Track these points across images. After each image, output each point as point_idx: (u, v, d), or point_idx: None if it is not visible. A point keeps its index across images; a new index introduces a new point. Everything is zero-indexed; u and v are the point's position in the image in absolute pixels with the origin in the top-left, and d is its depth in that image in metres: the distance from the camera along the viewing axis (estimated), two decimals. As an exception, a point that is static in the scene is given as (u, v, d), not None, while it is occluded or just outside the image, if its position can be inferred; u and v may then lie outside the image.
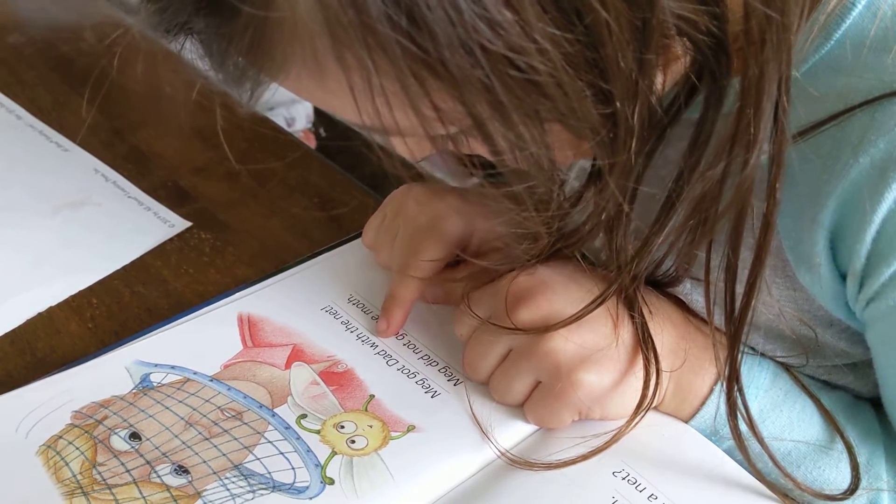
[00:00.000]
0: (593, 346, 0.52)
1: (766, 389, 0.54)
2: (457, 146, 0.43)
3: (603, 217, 0.47)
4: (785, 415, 0.53)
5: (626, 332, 0.53)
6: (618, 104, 0.40)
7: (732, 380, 0.50)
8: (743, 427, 0.53)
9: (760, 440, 0.51)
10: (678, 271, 0.52)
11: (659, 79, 0.42)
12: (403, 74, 0.36)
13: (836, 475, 0.52)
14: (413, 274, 0.60)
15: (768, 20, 0.39)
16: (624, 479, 0.53)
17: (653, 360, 0.52)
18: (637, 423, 0.54)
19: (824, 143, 0.46)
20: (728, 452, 0.54)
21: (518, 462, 0.53)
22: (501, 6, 0.35)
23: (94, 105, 0.84)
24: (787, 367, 0.55)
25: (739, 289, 0.48)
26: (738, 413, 0.51)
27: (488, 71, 0.36)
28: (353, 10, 0.35)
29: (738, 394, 0.50)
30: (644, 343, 0.52)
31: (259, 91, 0.42)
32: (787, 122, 0.43)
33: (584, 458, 0.53)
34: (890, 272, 0.46)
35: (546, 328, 0.52)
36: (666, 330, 0.54)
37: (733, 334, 0.49)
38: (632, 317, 0.52)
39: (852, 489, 0.51)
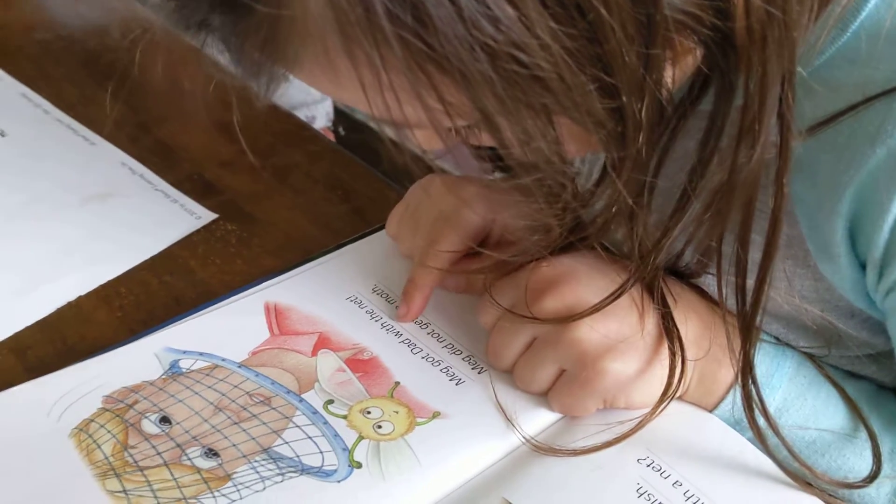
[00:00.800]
0: (619, 336, 0.53)
1: (790, 378, 0.54)
2: (468, 139, 0.44)
3: (614, 211, 0.47)
4: (809, 403, 0.53)
5: (651, 322, 0.53)
6: (624, 98, 0.41)
7: (746, 373, 0.51)
8: (762, 421, 0.53)
9: (777, 432, 0.51)
10: (698, 263, 0.53)
11: (669, 72, 0.43)
12: (410, 70, 0.37)
13: (860, 463, 0.52)
14: (433, 263, 0.61)
15: (769, 17, 0.40)
16: (649, 465, 0.53)
17: (678, 350, 0.53)
18: (661, 411, 0.54)
19: (842, 133, 0.46)
20: (752, 441, 0.54)
21: (542, 448, 0.54)
22: (503, 2, 0.36)
23: (119, 99, 0.85)
24: (811, 357, 0.55)
25: (752, 282, 0.49)
26: (754, 406, 0.51)
27: (492, 66, 0.37)
28: (361, 7, 0.36)
29: (752, 386, 0.51)
30: (668, 332, 0.53)
31: (275, 84, 0.43)
32: (793, 117, 0.43)
33: (609, 444, 0.53)
34: None
35: (570, 317, 0.52)
36: (690, 320, 0.54)
37: (745, 328, 0.50)
38: (656, 307, 0.53)
39: (873, 476, 0.51)
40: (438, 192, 0.63)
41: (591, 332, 0.52)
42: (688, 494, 0.52)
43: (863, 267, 0.49)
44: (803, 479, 0.52)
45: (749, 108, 0.42)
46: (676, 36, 0.40)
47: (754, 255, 0.48)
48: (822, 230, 0.49)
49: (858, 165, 0.46)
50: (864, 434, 0.53)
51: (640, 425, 0.53)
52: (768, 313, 0.54)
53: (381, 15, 0.35)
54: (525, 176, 0.43)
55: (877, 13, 0.46)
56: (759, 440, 0.52)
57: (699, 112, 0.46)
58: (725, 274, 0.49)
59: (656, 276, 0.52)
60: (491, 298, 0.57)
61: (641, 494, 0.52)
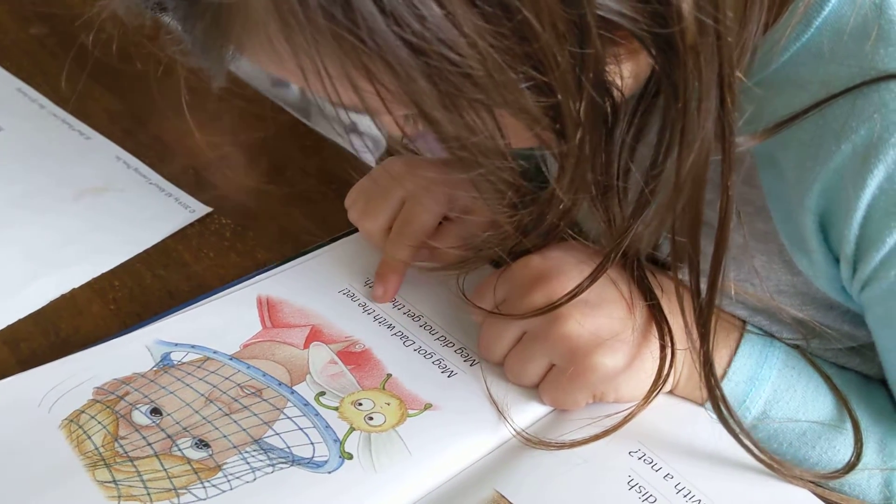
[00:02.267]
0: (608, 330, 0.53)
1: (779, 370, 0.54)
2: (408, 128, 0.44)
3: (564, 207, 0.48)
4: (799, 394, 0.53)
5: (640, 316, 0.53)
6: (559, 97, 0.41)
7: (709, 375, 0.51)
8: (755, 413, 0.53)
9: (742, 429, 0.51)
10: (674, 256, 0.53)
11: (626, 70, 0.43)
12: (345, 61, 0.38)
13: (850, 454, 0.52)
14: (405, 242, 0.62)
15: (701, 25, 0.40)
16: (640, 458, 0.53)
17: (668, 342, 0.53)
18: (650, 402, 0.54)
19: (807, 130, 0.46)
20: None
21: (533, 441, 0.54)
22: (430, 1, 0.36)
23: (115, 94, 0.85)
24: (799, 348, 0.55)
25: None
26: (719, 402, 0.51)
27: (422, 63, 0.38)
28: (297, 0, 0.36)
29: (717, 388, 0.51)
30: (658, 325, 0.53)
31: (223, 68, 0.44)
32: (734, 120, 0.43)
33: (598, 437, 0.53)
34: (880, 256, 0.46)
35: (550, 306, 0.52)
36: (679, 312, 0.54)
37: (702, 328, 0.50)
38: (645, 299, 0.53)
39: (851, 465, 0.51)
40: (400, 174, 0.64)
41: (579, 327, 0.52)
42: (679, 487, 0.52)
43: (837, 261, 0.49)
44: (789, 472, 0.52)
45: (685, 111, 0.42)
46: (618, 36, 0.40)
47: (733, 251, 0.48)
48: (794, 225, 0.49)
49: (824, 162, 0.46)
50: (851, 424, 0.53)
51: (629, 417, 0.53)
52: (750, 307, 0.54)
53: (314, 8, 0.36)
54: (467, 170, 0.44)
55: (840, 9, 0.46)
56: (738, 441, 0.52)
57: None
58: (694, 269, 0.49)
59: (641, 268, 0.52)
60: (480, 295, 0.57)
61: (632, 487, 0.52)
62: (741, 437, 0.51)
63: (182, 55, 0.44)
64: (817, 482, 0.51)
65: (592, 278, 0.51)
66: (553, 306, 0.52)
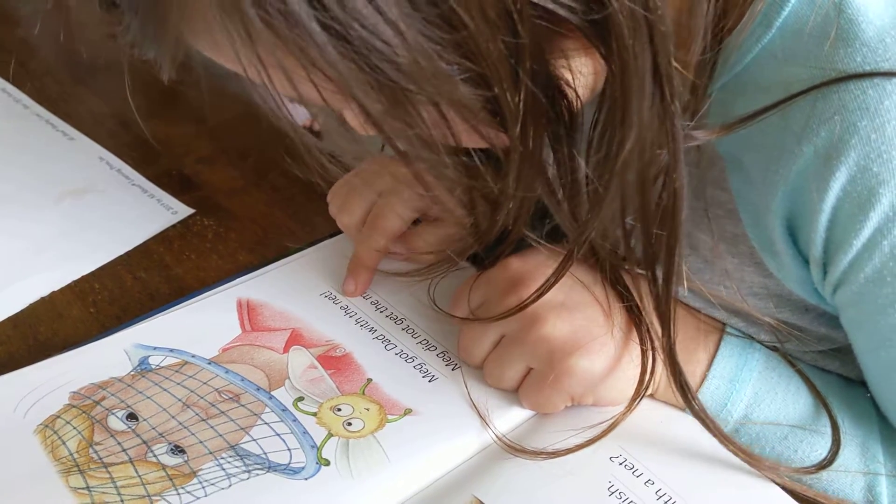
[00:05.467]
0: (586, 333, 0.52)
1: (759, 371, 0.53)
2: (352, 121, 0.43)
3: (511, 206, 0.47)
4: (780, 396, 0.53)
5: (619, 319, 0.53)
6: (496, 89, 0.40)
7: (679, 381, 0.50)
8: (737, 416, 0.52)
9: (707, 423, 0.51)
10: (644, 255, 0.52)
11: (574, 66, 0.42)
12: (276, 49, 0.37)
13: (828, 453, 0.52)
14: (377, 239, 0.62)
15: (632, 13, 0.39)
16: (621, 464, 0.53)
17: (648, 345, 0.52)
18: (633, 409, 0.53)
19: (770, 132, 0.46)
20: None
21: (515, 449, 0.53)
22: None
23: (100, 96, 0.85)
24: (779, 350, 0.55)
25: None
26: (691, 400, 0.51)
27: (348, 50, 0.37)
28: None
29: (689, 392, 0.51)
30: (637, 327, 0.52)
31: (170, 59, 0.43)
32: (675, 113, 0.42)
33: (581, 447, 0.52)
34: (848, 259, 0.45)
35: (520, 306, 0.52)
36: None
37: (664, 325, 0.50)
38: (623, 302, 0.52)
39: (826, 463, 0.51)
40: (375, 172, 0.64)
41: (558, 330, 0.52)
42: (660, 493, 0.51)
43: (807, 263, 0.49)
44: (772, 471, 0.51)
45: (623, 101, 0.41)
46: (564, 28, 0.39)
47: (705, 254, 0.47)
48: (763, 228, 0.49)
49: (788, 164, 0.45)
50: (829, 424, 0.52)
51: (613, 426, 0.53)
52: (727, 310, 0.54)
53: (245, 1, 0.36)
54: (407, 164, 0.43)
55: (800, 9, 0.45)
56: (724, 444, 0.51)
57: None
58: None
59: (617, 271, 0.51)
60: (457, 300, 0.57)
61: (613, 493, 0.51)
62: (709, 426, 0.51)
63: (131, 47, 0.43)
64: (794, 478, 0.51)
65: (556, 276, 0.51)
66: (521, 307, 0.52)
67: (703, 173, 0.50)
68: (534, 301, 0.52)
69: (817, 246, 0.46)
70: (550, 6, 0.38)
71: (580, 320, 0.52)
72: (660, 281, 0.49)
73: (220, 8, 0.37)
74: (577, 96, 0.43)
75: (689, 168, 0.45)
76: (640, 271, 0.50)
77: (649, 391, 0.54)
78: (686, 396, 0.51)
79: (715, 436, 0.51)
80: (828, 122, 0.44)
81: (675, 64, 0.41)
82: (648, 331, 0.52)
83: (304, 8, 0.36)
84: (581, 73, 0.42)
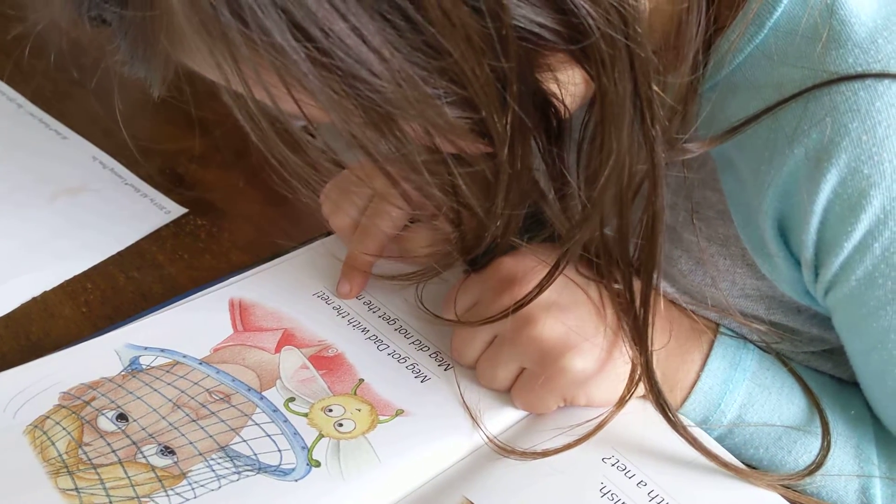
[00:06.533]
0: (579, 333, 0.52)
1: (753, 372, 0.53)
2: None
3: (499, 224, 0.47)
4: (773, 397, 0.53)
5: (611, 319, 0.52)
6: (483, 112, 0.40)
7: (655, 390, 0.51)
8: (730, 417, 0.52)
9: (699, 447, 0.51)
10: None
11: (562, 79, 0.42)
12: (258, 67, 0.38)
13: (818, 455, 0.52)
14: (371, 240, 0.61)
15: (611, 40, 0.39)
16: (613, 465, 0.53)
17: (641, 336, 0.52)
18: (623, 408, 0.53)
19: (761, 133, 0.46)
20: (718, 440, 0.53)
21: (506, 450, 0.53)
22: (335, 16, 0.35)
23: (94, 95, 0.84)
24: (773, 351, 0.55)
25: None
26: (668, 412, 0.51)
27: (334, 81, 0.37)
28: (212, 10, 0.36)
29: (660, 397, 0.51)
30: (633, 326, 0.52)
31: (160, 76, 0.44)
32: (656, 132, 0.42)
33: (570, 446, 0.52)
34: (839, 261, 0.45)
35: (514, 306, 0.52)
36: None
37: (638, 333, 0.50)
38: (615, 301, 0.52)
39: (817, 466, 0.51)
40: (371, 172, 0.63)
41: (550, 330, 0.52)
42: (652, 494, 0.51)
43: (799, 264, 0.48)
44: (763, 476, 0.51)
45: (602, 123, 0.42)
46: (547, 48, 0.40)
47: (696, 255, 0.47)
48: (754, 229, 0.49)
49: (779, 165, 0.45)
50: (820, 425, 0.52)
51: (602, 425, 0.53)
52: (719, 310, 0.53)
53: (227, 17, 0.36)
54: (395, 185, 0.44)
55: (792, 10, 0.45)
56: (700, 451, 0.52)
57: None
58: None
59: (611, 272, 0.51)
60: (453, 297, 0.57)
61: (605, 494, 0.51)
62: (692, 442, 0.51)
63: (122, 65, 0.44)
64: (785, 485, 0.51)
65: (549, 279, 0.51)
66: (516, 307, 0.52)
67: (693, 175, 0.50)
68: (527, 303, 0.51)
69: (808, 248, 0.46)
70: (536, 30, 0.38)
71: (573, 320, 0.52)
72: (636, 300, 0.49)
73: (206, 33, 0.37)
74: (566, 107, 0.43)
75: (679, 170, 0.45)
76: (617, 286, 0.51)
77: (640, 391, 0.53)
78: (666, 415, 0.51)
79: (699, 451, 0.51)
80: (819, 124, 0.43)
81: (656, 89, 0.41)
82: (640, 332, 0.52)
83: (288, 38, 0.36)
84: (569, 84, 0.42)
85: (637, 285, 0.50)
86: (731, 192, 0.49)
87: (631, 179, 0.43)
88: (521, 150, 0.42)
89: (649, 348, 0.50)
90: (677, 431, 0.51)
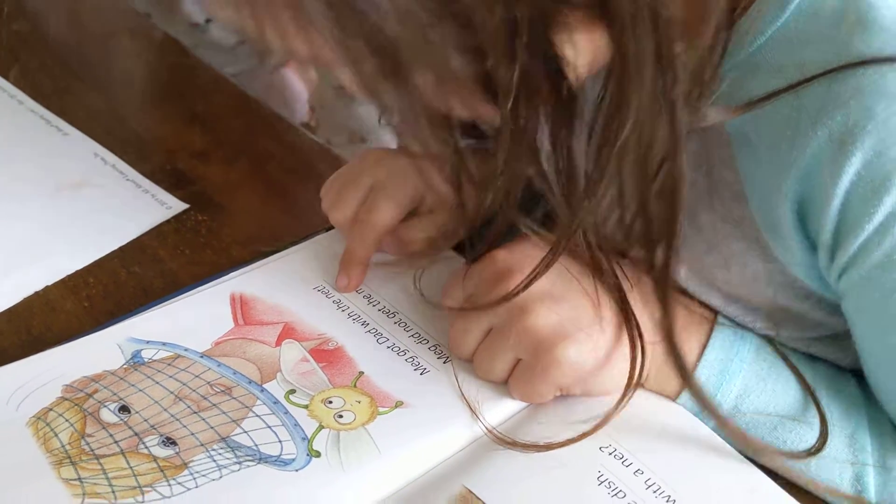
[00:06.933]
0: (573, 323, 0.52)
1: (749, 362, 0.54)
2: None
3: (500, 185, 0.46)
4: (769, 387, 0.53)
5: (609, 309, 0.53)
6: (490, 61, 0.39)
7: (678, 362, 0.50)
8: (727, 407, 0.53)
9: (708, 407, 0.51)
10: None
11: (577, 41, 0.41)
12: (274, 11, 0.37)
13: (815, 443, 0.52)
14: (369, 233, 0.62)
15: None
16: (611, 454, 0.53)
17: (637, 337, 0.52)
18: (626, 403, 0.53)
19: (782, 110, 0.46)
20: (714, 430, 0.54)
21: (505, 441, 0.53)
22: None
23: (96, 91, 0.85)
24: (770, 340, 0.55)
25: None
26: (689, 380, 0.51)
27: (344, 19, 0.37)
28: None
29: (685, 371, 0.51)
30: (627, 319, 0.52)
31: (168, 10, 0.43)
32: (678, 97, 0.41)
33: (573, 441, 0.53)
34: (858, 243, 0.45)
35: (507, 296, 0.52)
36: (649, 304, 0.54)
37: (664, 313, 0.49)
38: (611, 291, 0.52)
39: (816, 450, 0.51)
40: (371, 165, 0.64)
41: (544, 320, 0.52)
42: (649, 482, 0.52)
43: (814, 248, 0.48)
44: (762, 456, 0.52)
45: (621, 85, 0.41)
46: (567, 5, 0.39)
47: (709, 236, 0.47)
48: (770, 209, 0.49)
49: (802, 147, 0.45)
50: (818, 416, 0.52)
51: (604, 421, 0.53)
52: (724, 296, 0.54)
53: None
54: (406, 141, 0.43)
55: None
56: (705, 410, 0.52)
57: None
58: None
59: (609, 262, 0.51)
60: (450, 289, 0.57)
61: (602, 482, 0.52)
62: (707, 405, 0.51)
63: None
64: (784, 465, 0.51)
65: (546, 265, 0.51)
66: (508, 296, 0.52)
67: (711, 152, 0.50)
68: (522, 290, 0.52)
69: (827, 230, 0.46)
70: None
71: (567, 310, 0.52)
72: (658, 265, 0.48)
73: None
74: (577, 75, 0.42)
75: (696, 147, 0.45)
76: (637, 255, 0.50)
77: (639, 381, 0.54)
78: (684, 376, 0.51)
79: (711, 415, 0.51)
80: (843, 107, 0.44)
81: (678, 51, 0.41)
82: (636, 321, 0.52)
83: None
84: (584, 50, 0.41)
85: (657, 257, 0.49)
86: (747, 171, 0.49)
87: (651, 144, 0.43)
88: (527, 106, 0.41)
89: (672, 317, 0.49)
90: (696, 396, 0.51)
